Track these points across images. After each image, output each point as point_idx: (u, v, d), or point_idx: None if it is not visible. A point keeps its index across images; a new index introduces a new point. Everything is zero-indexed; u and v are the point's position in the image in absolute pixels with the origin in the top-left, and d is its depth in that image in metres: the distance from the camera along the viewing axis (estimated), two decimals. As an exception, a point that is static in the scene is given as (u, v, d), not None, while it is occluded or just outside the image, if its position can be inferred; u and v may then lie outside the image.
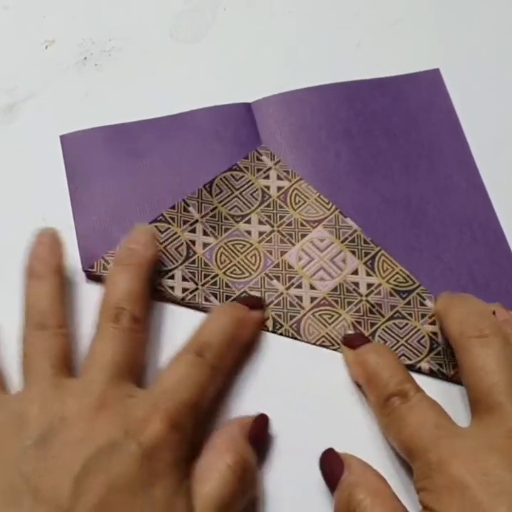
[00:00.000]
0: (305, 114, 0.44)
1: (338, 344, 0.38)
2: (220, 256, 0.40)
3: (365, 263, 0.40)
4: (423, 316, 0.39)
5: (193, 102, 0.45)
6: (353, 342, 0.37)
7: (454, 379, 0.37)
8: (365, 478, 0.32)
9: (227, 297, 0.39)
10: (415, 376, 0.36)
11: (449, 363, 0.38)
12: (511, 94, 0.46)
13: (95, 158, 0.43)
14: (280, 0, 0.50)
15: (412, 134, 0.44)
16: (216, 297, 0.39)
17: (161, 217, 0.41)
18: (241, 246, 0.41)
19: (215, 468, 0.32)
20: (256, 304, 0.38)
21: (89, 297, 0.39)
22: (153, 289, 0.39)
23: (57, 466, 0.29)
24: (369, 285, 0.40)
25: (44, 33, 0.48)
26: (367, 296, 0.39)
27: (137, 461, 0.30)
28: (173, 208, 0.41)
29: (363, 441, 0.36)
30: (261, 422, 0.35)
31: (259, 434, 0.34)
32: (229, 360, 0.36)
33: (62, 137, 0.44)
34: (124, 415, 0.31)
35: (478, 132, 0.44)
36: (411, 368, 0.37)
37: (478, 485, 0.28)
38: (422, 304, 0.39)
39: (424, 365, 0.37)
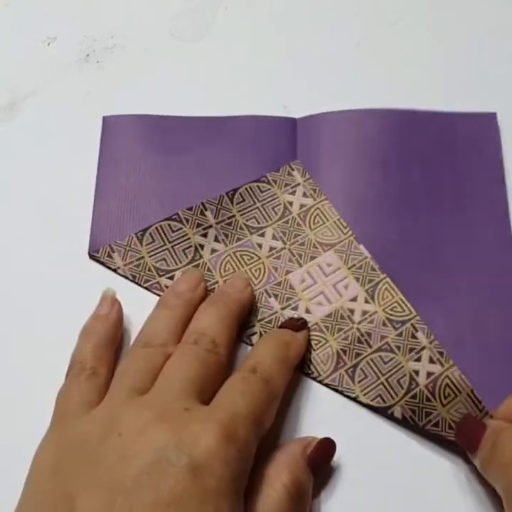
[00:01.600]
0: (346, 136, 0.43)
1: (318, 373, 0.37)
2: (225, 264, 0.40)
3: (366, 290, 0.39)
4: (411, 350, 0.37)
5: (193, 99, 0.46)
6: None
7: (424, 430, 0.35)
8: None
9: None
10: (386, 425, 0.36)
11: (422, 410, 0.35)
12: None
13: (131, 145, 0.43)
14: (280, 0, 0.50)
15: (451, 174, 0.42)
16: None
17: (175, 216, 0.41)
18: (249, 257, 0.40)
19: (271, 484, 0.31)
20: (300, 327, 0.38)
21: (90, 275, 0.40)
22: (148, 287, 0.39)
23: (106, 482, 0.29)
24: (364, 312, 0.38)
25: (45, 31, 0.49)
26: (359, 323, 0.38)
27: (187, 476, 0.28)
28: (189, 209, 0.41)
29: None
30: (325, 446, 0.34)
31: (320, 458, 0.33)
32: (280, 376, 0.35)
33: (104, 118, 0.44)
34: (178, 428, 0.30)
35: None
36: (384, 411, 0.35)
37: None
38: (413, 337, 0.37)
39: (397, 411, 0.35)
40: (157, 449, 0.29)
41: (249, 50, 0.48)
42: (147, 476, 0.28)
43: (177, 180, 0.42)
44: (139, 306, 0.38)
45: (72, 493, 0.29)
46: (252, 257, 0.40)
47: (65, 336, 0.36)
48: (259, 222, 0.41)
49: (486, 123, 0.43)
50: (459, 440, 0.34)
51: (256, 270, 0.40)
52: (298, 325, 0.37)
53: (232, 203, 0.41)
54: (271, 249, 0.40)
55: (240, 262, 0.40)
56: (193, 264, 0.40)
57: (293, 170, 0.42)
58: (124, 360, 0.35)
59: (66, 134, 0.45)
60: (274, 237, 0.41)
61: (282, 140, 0.43)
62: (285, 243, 0.40)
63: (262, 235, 0.41)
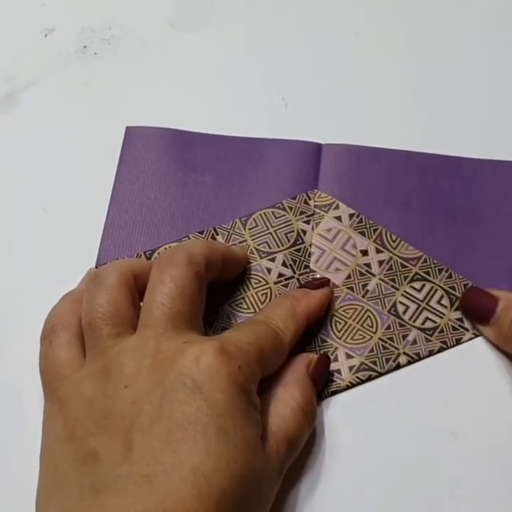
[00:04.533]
0: (370, 173, 0.42)
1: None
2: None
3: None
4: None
5: (191, 90, 0.46)
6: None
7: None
8: None
9: (223, 329, 0.38)
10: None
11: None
12: None
13: (151, 158, 0.43)
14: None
15: (474, 223, 0.41)
16: (211, 326, 0.38)
17: (186, 238, 0.40)
18: (256, 281, 0.39)
19: (286, 404, 0.33)
20: (318, 286, 0.38)
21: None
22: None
23: (122, 428, 0.29)
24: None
25: (43, 22, 0.49)
26: None
27: (196, 395, 0.29)
28: (201, 232, 0.41)
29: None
30: (323, 362, 0.36)
31: (320, 374, 0.36)
32: (288, 329, 0.35)
33: (128, 128, 0.44)
34: (177, 358, 0.30)
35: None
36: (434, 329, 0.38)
37: None
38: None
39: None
40: (161, 383, 0.30)
41: (248, 39, 0.48)
42: (159, 409, 0.29)
43: (193, 199, 0.42)
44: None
45: (93, 449, 0.29)
46: (260, 281, 0.40)
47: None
48: (270, 247, 0.40)
49: None
50: (469, 311, 0.38)
51: (262, 295, 0.39)
52: (316, 284, 0.38)
53: (244, 228, 0.41)
54: (280, 275, 0.40)
55: (247, 286, 0.39)
56: None
57: (310, 199, 0.42)
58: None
59: (64, 125, 0.45)
60: (283, 264, 0.40)
61: (305, 165, 0.43)
62: (294, 272, 0.40)
63: (272, 259, 0.40)
